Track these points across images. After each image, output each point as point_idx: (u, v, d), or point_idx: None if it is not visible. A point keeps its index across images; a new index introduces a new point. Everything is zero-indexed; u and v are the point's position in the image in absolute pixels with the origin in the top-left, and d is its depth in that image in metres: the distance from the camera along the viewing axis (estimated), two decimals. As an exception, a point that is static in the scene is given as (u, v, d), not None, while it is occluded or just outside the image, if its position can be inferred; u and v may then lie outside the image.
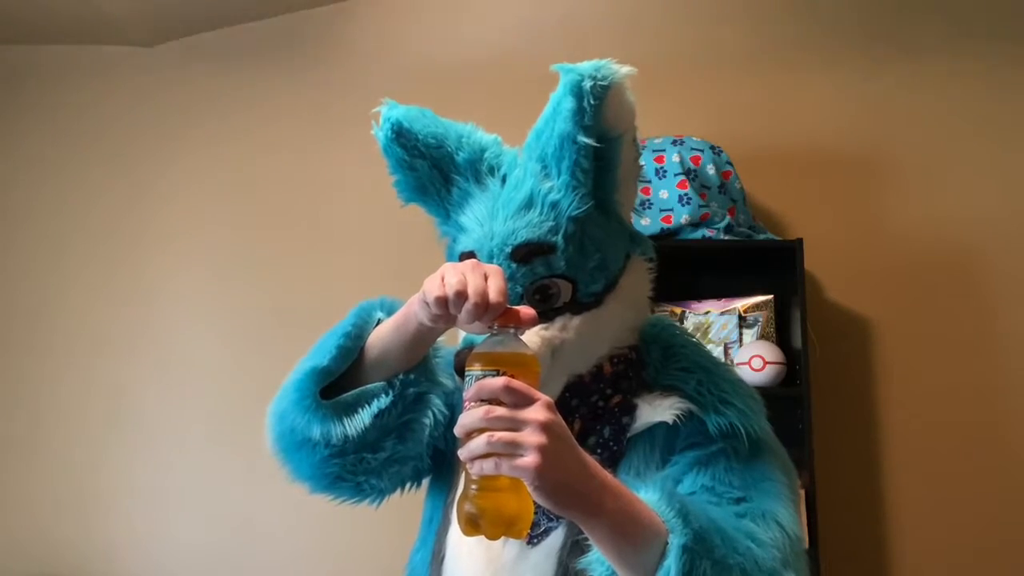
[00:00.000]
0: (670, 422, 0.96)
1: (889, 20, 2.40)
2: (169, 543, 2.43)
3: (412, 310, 0.91)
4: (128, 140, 2.65)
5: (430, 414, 1.02)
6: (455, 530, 0.99)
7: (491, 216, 1.00)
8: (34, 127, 2.68)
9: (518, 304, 0.93)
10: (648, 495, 0.83)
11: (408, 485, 1.09)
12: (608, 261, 1.00)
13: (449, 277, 0.81)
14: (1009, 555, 2.14)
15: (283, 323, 2.42)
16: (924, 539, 2.17)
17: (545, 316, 0.96)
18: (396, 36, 2.61)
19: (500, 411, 0.75)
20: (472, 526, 0.78)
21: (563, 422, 0.77)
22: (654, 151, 2.15)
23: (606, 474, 0.80)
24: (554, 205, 0.98)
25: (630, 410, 0.99)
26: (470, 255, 1.00)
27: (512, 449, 0.74)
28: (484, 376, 0.77)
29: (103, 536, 2.45)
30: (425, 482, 1.13)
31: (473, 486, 0.78)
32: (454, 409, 1.09)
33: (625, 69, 0.94)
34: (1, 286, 2.61)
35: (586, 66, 0.93)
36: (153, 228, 2.59)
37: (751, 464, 0.95)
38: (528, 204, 0.99)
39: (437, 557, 1.02)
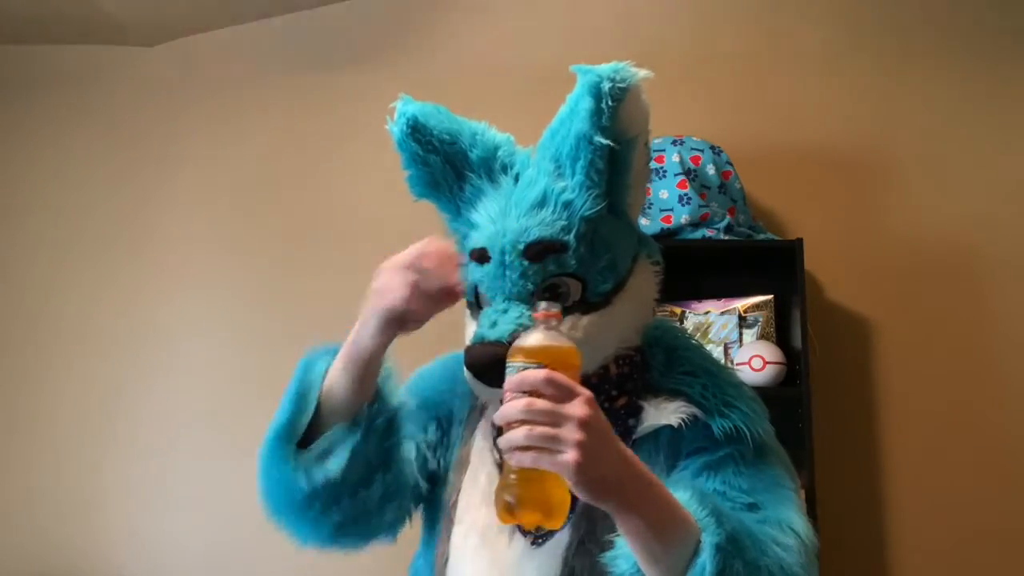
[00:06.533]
0: (675, 425, 0.96)
1: (890, 20, 2.41)
2: (169, 543, 2.43)
3: (359, 335, 0.97)
4: (128, 140, 2.64)
5: (411, 441, 1.05)
6: (459, 532, 1.00)
7: (504, 214, 1.00)
8: (34, 127, 2.67)
9: (529, 301, 0.96)
10: (680, 494, 0.83)
11: (415, 512, 1.10)
12: (617, 262, 1.01)
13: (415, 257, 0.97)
14: (1009, 555, 2.15)
15: (283, 324, 2.42)
16: (924, 539, 2.18)
17: None
18: (397, 36, 2.61)
19: (541, 404, 0.76)
20: (509, 513, 0.80)
21: (603, 417, 0.78)
22: (654, 151, 2.16)
23: (644, 469, 0.81)
24: (567, 204, 0.99)
25: (635, 412, 0.99)
26: (482, 252, 1.01)
27: (552, 444, 0.75)
28: (526, 368, 0.78)
29: (103, 536, 2.45)
30: None
31: (512, 475, 0.79)
32: (443, 430, 1.10)
33: (642, 72, 0.95)
34: (1, 286, 2.61)
35: (605, 68, 0.93)
36: (154, 229, 2.59)
37: (759, 469, 0.96)
38: (541, 203, 0.99)
39: (441, 560, 1.02)
